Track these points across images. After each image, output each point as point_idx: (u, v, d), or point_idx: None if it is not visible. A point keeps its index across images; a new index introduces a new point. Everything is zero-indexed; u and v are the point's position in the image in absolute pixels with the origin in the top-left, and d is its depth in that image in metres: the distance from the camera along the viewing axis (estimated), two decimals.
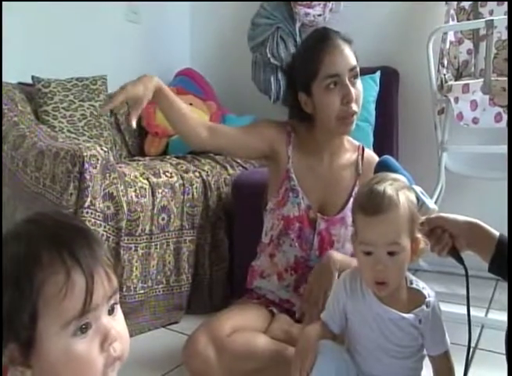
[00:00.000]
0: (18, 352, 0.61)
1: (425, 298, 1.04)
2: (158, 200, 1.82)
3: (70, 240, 0.63)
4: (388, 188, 0.98)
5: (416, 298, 1.04)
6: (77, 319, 0.61)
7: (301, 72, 1.42)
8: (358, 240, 1.01)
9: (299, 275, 1.44)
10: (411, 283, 1.06)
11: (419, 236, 1.02)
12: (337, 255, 1.34)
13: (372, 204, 0.98)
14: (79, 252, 0.62)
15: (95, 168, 1.59)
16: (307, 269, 1.43)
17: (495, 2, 2.08)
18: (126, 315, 0.72)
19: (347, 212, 1.39)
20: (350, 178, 1.47)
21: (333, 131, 1.41)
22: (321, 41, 1.39)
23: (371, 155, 1.52)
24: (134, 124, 1.26)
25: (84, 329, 0.62)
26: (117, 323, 0.66)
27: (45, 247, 0.62)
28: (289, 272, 1.44)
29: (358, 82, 1.39)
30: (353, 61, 1.37)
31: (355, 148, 1.52)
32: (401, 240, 0.98)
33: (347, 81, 1.35)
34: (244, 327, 1.33)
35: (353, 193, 1.44)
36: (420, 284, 1.07)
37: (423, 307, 1.03)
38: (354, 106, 1.36)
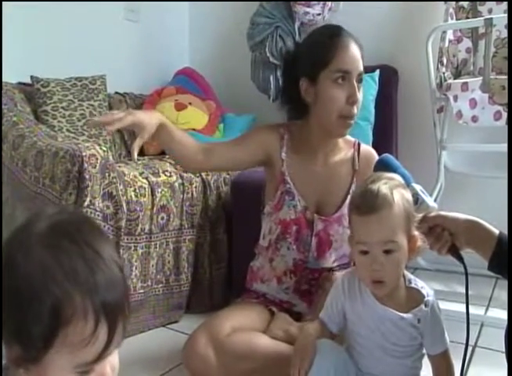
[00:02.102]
0: (20, 356, 0.61)
1: (424, 297, 1.04)
2: (157, 199, 1.81)
3: (106, 290, 0.62)
4: (383, 187, 0.98)
5: (415, 298, 1.04)
6: (86, 365, 0.63)
7: (309, 58, 1.39)
8: (355, 240, 1.01)
9: (298, 277, 1.43)
10: (409, 283, 1.06)
11: (416, 234, 1.02)
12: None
13: (366, 203, 0.98)
14: (111, 306, 0.62)
15: (95, 167, 1.58)
16: (306, 271, 1.43)
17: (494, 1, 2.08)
18: None
19: (345, 210, 1.37)
20: (346, 175, 1.45)
21: (329, 128, 1.39)
22: (337, 35, 1.37)
23: (368, 150, 1.50)
24: (136, 154, 1.25)
25: (88, 372, 0.64)
26: (113, 357, 0.67)
27: (77, 291, 0.60)
28: (288, 276, 1.44)
29: (361, 89, 1.38)
30: (361, 67, 1.37)
31: (350, 145, 1.50)
32: (397, 238, 0.98)
33: (355, 83, 1.35)
34: (244, 326, 1.33)
35: (350, 191, 1.42)
36: (418, 283, 1.07)
37: (422, 306, 1.03)
38: (355, 109, 1.36)
